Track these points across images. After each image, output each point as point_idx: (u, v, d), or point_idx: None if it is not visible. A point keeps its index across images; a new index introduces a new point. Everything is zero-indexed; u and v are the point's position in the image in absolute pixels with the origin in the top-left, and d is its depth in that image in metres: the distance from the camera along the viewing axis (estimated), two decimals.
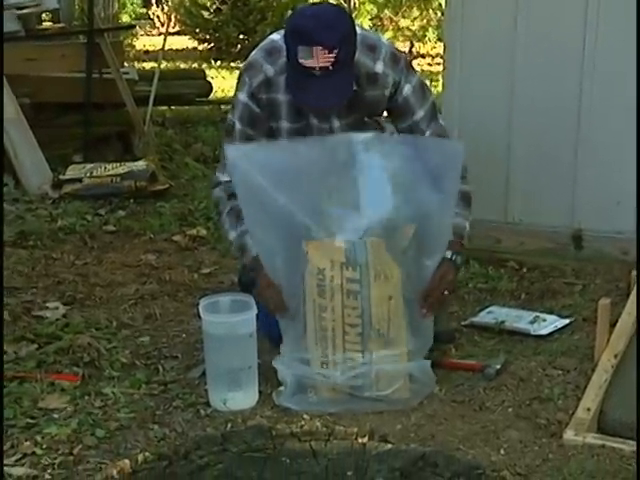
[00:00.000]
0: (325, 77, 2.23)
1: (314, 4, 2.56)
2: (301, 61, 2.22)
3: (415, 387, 2.27)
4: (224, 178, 2.45)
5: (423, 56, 11.79)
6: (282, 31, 2.37)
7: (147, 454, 1.18)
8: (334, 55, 2.20)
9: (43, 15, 7.89)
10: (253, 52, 2.45)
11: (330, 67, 2.21)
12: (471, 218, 2.49)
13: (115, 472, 1.14)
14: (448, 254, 2.41)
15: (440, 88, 3.82)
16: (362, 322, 2.18)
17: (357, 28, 2.37)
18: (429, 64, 10.96)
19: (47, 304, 2.93)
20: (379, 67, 2.39)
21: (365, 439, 1.22)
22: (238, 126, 2.45)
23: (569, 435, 2.00)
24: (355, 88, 2.36)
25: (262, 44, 2.46)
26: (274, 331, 2.46)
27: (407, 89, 2.43)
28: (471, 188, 2.48)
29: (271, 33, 2.53)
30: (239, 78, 2.46)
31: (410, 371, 2.26)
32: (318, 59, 2.20)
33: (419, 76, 2.49)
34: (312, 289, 2.19)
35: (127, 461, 1.16)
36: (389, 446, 1.21)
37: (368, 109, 2.47)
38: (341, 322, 2.18)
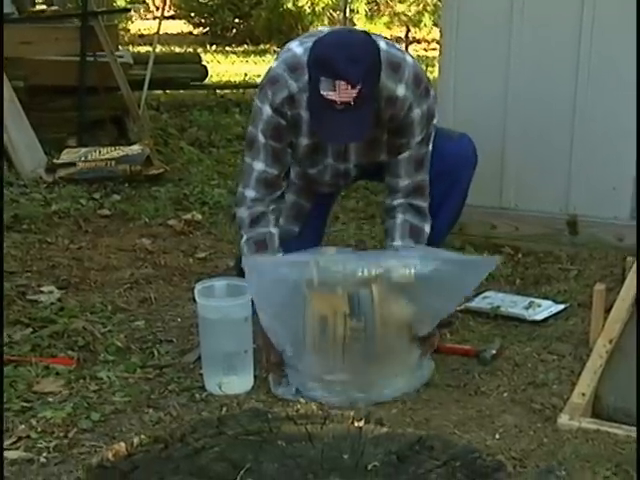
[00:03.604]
0: (345, 112, 2.16)
1: (341, 30, 2.45)
2: (323, 93, 2.15)
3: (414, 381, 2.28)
4: (249, 194, 2.41)
5: (419, 41, 11.77)
6: (305, 43, 2.32)
7: (143, 437, 1.18)
8: (357, 91, 2.13)
9: None
10: (275, 64, 2.37)
11: (352, 102, 2.15)
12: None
13: (110, 455, 1.14)
14: None
15: (436, 73, 3.80)
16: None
17: (382, 43, 2.30)
18: (425, 49, 10.94)
19: (42, 288, 2.92)
20: (401, 91, 2.32)
21: (361, 423, 1.22)
22: (262, 139, 2.38)
23: (564, 420, 2.01)
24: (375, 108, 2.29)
25: (285, 57, 2.37)
26: None
27: (416, 113, 2.36)
28: (423, 226, 2.44)
29: (288, 41, 2.46)
30: (261, 90, 2.38)
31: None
32: (340, 94, 2.13)
33: (432, 100, 2.41)
34: (314, 330, 2.17)
35: (123, 444, 1.15)
36: (385, 430, 1.21)
37: (384, 127, 2.39)
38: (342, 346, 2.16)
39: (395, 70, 2.31)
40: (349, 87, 2.13)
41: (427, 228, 2.45)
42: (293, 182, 2.62)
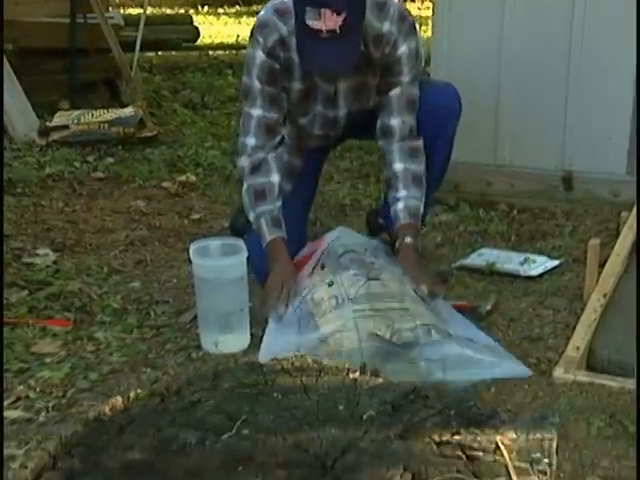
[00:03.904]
0: (332, 40, 2.16)
1: None
2: (308, 22, 2.15)
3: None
4: (250, 142, 2.43)
5: (413, 0, 11.66)
6: None
7: (139, 391, 1.18)
8: (342, 18, 2.13)
9: None
10: (262, 11, 2.39)
11: (338, 30, 2.14)
12: (424, 199, 2.49)
13: (107, 409, 1.15)
14: (407, 239, 2.42)
15: (430, 32, 3.77)
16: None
17: None
18: (419, 8, 10.85)
19: (37, 251, 2.92)
20: (386, 27, 2.34)
21: (356, 374, 1.23)
22: (257, 85, 2.39)
23: (559, 373, 2.02)
24: (363, 49, 2.31)
25: (272, 3, 2.38)
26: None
27: (403, 49, 2.38)
28: (422, 168, 2.48)
29: None
30: (251, 38, 2.39)
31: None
32: (325, 21, 2.13)
33: (418, 41, 2.43)
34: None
35: (119, 398, 1.16)
36: (380, 380, 1.21)
37: (374, 70, 2.43)
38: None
39: (380, 9, 2.34)
40: (334, 15, 2.13)
41: (424, 167, 2.48)
42: (284, 141, 2.61)
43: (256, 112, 2.42)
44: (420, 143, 2.49)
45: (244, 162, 2.45)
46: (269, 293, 2.29)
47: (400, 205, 2.45)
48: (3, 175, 3.46)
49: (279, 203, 2.43)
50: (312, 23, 2.15)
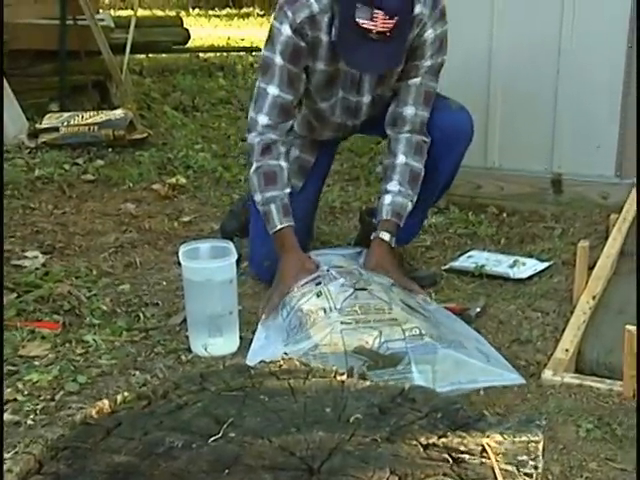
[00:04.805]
0: (380, 42, 2.13)
1: None
2: (358, 20, 2.11)
3: None
4: (262, 120, 2.38)
5: None
6: None
7: (126, 394, 1.18)
8: (394, 22, 2.11)
9: None
10: None
11: (388, 33, 2.12)
12: (415, 199, 2.47)
13: (94, 412, 1.14)
14: (384, 235, 2.43)
15: None
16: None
17: None
18: None
19: (26, 253, 2.91)
20: (418, 9, 2.28)
21: (344, 377, 1.23)
22: (279, 62, 2.33)
23: (547, 375, 2.03)
24: None
25: None
26: (263, 273, 2.55)
27: (429, 33, 2.33)
28: (422, 167, 2.46)
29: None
30: (279, 10, 2.31)
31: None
32: (377, 23, 2.11)
33: (445, 28, 2.38)
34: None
35: (106, 401, 1.16)
36: (368, 383, 1.21)
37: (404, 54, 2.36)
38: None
39: None
40: (387, 17, 2.10)
41: (424, 166, 2.46)
42: (297, 137, 2.61)
43: (272, 90, 2.36)
44: (427, 140, 2.46)
45: (254, 139, 2.40)
46: (280, 287, 2.31)
47: (387, 199, 2.44)
48: (3, 177, 3.45)
49: (288, 190, 2.41)
50: (363, 22, 2.12)
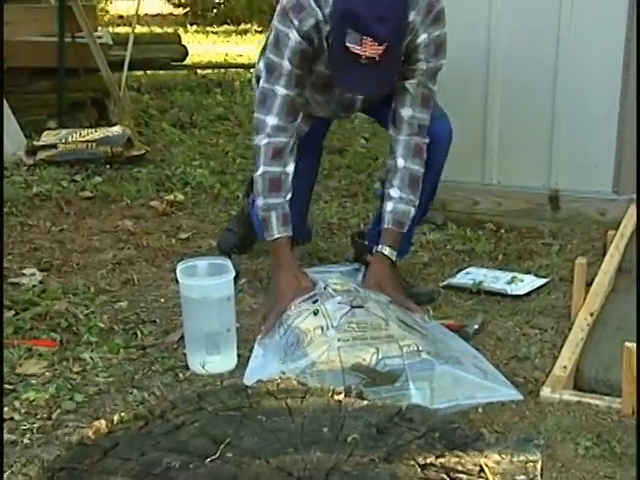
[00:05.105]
0: (370, 67, 2.15)
1: None
2: (348, 45, 2.14)
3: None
4: (271, 121, 2.38)
5: None
6: None
7: (123, 414, 1.18)
8: (383, 48, 2.13)
9: None
10: None
11: (377, 58, 2.14)
12: (417, 202, 2.48)
13: (91, 432, 1.14)
14: (385, 249, 2.44)
15: None
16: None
17: None
18: None
19: (23, 271, 2.91)
20: (411, 16, 2.28)
21: (341, 396, 1.23)
22: (287, 66, 2.33)
23: (546, 392, 2.02)
24: None
25: None
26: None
27: (422, 38, 2.33)
28: (422, 170, 2.47)
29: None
30: (283, 15, 2.30)
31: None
32: (366, 49, 2.12)
33: (441, 31, 2.36)
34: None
35: (103, 421, 1.15)
36: (365, 402, 1.21)
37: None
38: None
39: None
40: (376, 44, 2.12)
41: (424, 168, 2.47)
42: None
43: (281, 90, 2.35)
44: (426, 142, 2.47)
45: (262, 141, 2.40)
46: (276, 307, 2.32)
47: (389, 206, 2.46)
48: (3, 192, 3.46)
49: (290, 195, 2.42)
50: (352, 47, 2.14)
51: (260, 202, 2.42)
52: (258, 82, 2.53)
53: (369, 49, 2.13)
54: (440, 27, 2.36)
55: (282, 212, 2.40)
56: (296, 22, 2.28)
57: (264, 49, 2.54)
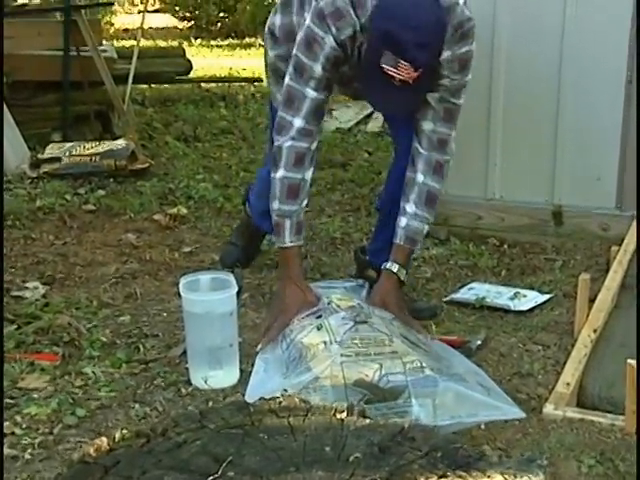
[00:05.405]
0: (402, 89, 2.14)
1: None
2: (383, 65, 2.13)
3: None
4: (298, 123, 2.36)
5: None
6: None
7: (125, 432, 1.17)
8: (418, 73, 2.12)
9: None
10: None
11: (410, 82, 2.13)
12: (432, 220, 2.49)
13: (92, 450, 1.13)
14: (394, 267, 2.44)
15: None
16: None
17: None
18: None
19: (26, 284, 2.91)
20: None
21: (343, 415, 1.22)
22: (319, 71, 2.30)
23: (549, 409, 2.01)
24: None
25: None
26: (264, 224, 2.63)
27: (447, 55, 2.29)
28: (440, 187, 2.47)
29: None
30: (320, 19, 2.26)
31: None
32: (401, 72, 2.12)
33: (467, 48, 2.33)
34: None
35: (104, 439, 1.15)
36: (367, 421, 1.21)
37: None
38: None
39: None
40: (412, 69, 2.12)
41: (441, 187, 2.48)
42: None
43: (311, 94, 2.33)
44: (447, 159, 2.46)
45: (286, 143, 2.37)
46: (280, 320, 2.32)
47: (403, 222, 2.46)
48: (3, 204, 3.46)
49: (306, 201, 2.43)
50: (387, 68, 2.13)
51: (275, 206, 2.40)
52: (275, 74, 2.61)
53: (404, 73, 2.12)
54: (467, 44, 2.33)
55: (296, 220, 2.40)
56: (334, 29, 2.25)
57: (273, 35, 2.59)
